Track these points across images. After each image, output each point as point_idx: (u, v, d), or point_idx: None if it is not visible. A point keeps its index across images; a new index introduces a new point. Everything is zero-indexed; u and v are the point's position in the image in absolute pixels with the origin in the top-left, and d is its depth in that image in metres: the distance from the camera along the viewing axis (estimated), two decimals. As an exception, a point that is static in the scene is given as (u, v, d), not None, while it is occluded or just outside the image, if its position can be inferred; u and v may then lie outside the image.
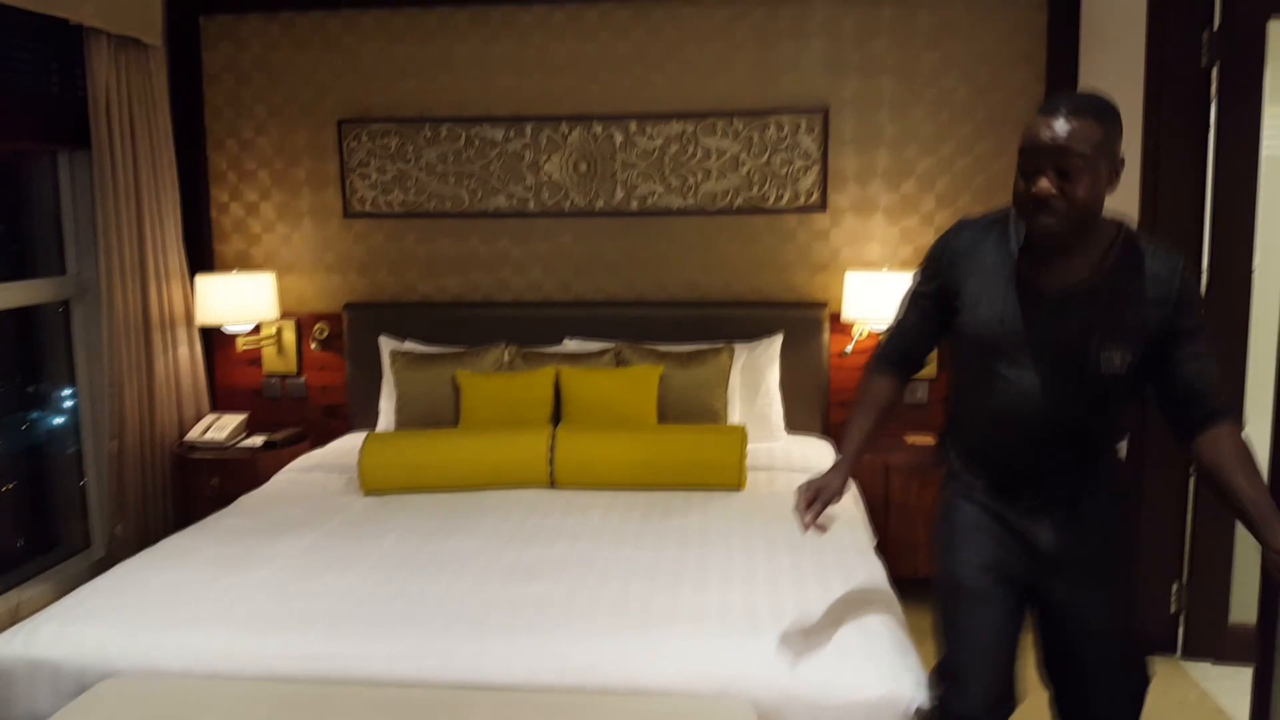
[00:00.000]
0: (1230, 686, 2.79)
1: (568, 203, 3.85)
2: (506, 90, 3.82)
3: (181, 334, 3.80)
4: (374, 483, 3.07)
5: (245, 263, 4.04)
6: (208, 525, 2.83)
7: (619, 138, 3.79)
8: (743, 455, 3.06)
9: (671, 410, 3.38)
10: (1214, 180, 2.80)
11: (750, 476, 3.14)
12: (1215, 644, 2.96)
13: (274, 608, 2.21)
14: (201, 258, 3.98)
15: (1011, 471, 1.81)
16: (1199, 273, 2.88)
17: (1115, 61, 3.19)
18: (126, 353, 3.55)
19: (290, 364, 4.03)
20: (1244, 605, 2.87)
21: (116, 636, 2.10)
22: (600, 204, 3.84)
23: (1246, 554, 2.83)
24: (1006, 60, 3.61)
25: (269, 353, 4.02)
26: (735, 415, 3.49)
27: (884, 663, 1.94)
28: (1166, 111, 2.84)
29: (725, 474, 3.05)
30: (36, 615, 2.22)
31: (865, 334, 3.72)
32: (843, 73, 3.68)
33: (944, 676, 1.85)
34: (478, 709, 1.84)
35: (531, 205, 3.87)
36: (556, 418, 3.39)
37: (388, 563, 2.47)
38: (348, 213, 3.96)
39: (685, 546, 2.55)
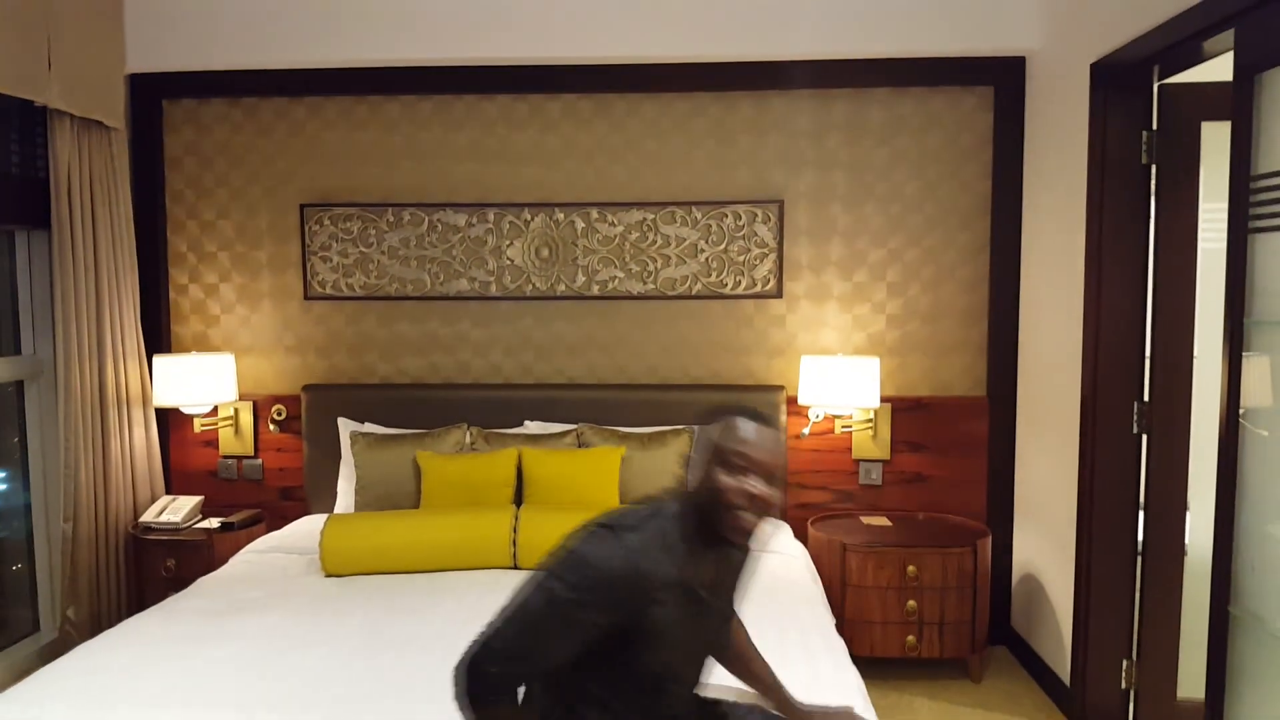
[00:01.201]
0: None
1: (529, 287, 3.91)
2: (470, 177, 3.91)
3: (138, 415, 3.74)
4: (335, 564, 3.02)
5: (203, 344, 4.01)
6: (167, 607, 2.77)
7: (580, 224, 3.87)
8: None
9: (633, 490, 3.39)
10: (1155, 273, 2.94)
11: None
12: (1165, 719, 3.00)
13: (241, 687, 2.18)
14: (159, 339, 3.95)
15: None
16: (1142, 361, 3.01)
17: (1059, 158, 3.38)
18: (82, 433, 3.49)
19: (247, 445, 3.97)
20: (1191, 681, 2.91)
21: (82, 718, 2.04)
22: (561, 288, 3.90)
23: (1193, 632, 2.88)
24: (955, 157, 3.79)
25: (226, 434, 3.97)
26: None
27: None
28: (1109, 207, 2.99)
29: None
30: None
31: (822, 416, 3.79)
32: (798, 166, 3.83)
33: None
34: None
35: (493, 289, 3.92)
36: (518, 499, 3.37)
37: (352, 642, 2.44)
38: (308, 295, 3.97)
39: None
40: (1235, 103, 2.22)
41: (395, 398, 3.86)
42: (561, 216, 3.88)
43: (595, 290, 3.89)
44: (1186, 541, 3.01)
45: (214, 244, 4.00)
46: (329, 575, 3.03)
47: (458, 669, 1.60)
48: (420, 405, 3.81)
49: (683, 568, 1.64)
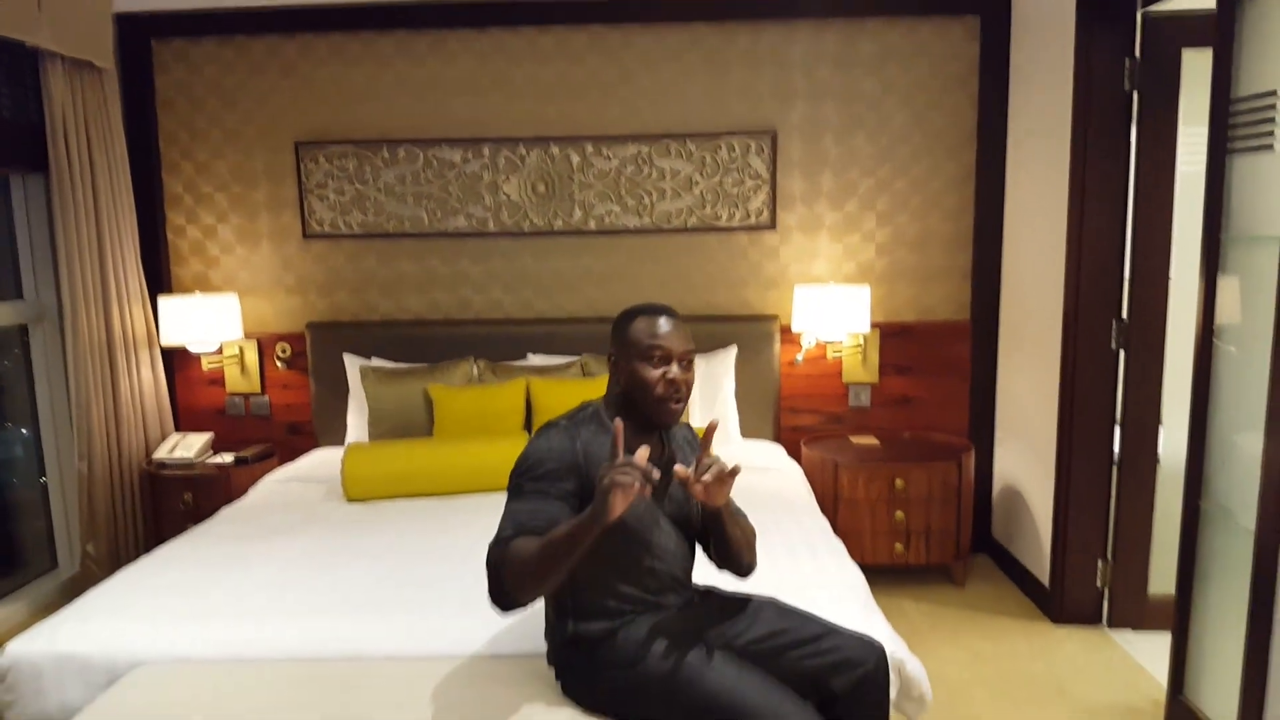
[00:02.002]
0: (1150, 650, 3.06)
1: (526, 223, 3.98)
2: (464, 112, 3.94)
3: (144, 355, 3.80)
4: (358, 490, 3.15)
5: (204, 285, 4.05)
6: (198, 534, 2.88)
7: (576, 159, 3.93)
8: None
9: (637, 419, 3.53)
10: (1135, 196, 3.08)
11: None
12: (1137, 614, 3.23)
13: (288, 598, 2.33)
14: (159, 281, 3.99)
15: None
16: (1120, 282, 3.16)
17: (1044, 87, 3.47)
18: (92, 374, 3.55)
19: (254, 383, 4.05)
20: (1162, 578, 3.14)
21: (139, 630, 2.18)
22: (559, 224, 3.97)
23: (1164, 533, 3.09)
24: (941, 87, 3.88)
25: (232, 372, 4.04)
26: (696, 421, 3.65)
27: (860, 618, 2.16)
28: (1092, 134, 3.11)
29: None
30: (49, 618, 2.27)
31: (814, 343, 3.93)
32: (790, 98, 3.90)
33: None
34: (488, 674, 2.00)
35: (491, 225, 3.98)
36: (528, 426, 3.50)
37: (388, 557, 2.59)
38: (306, 234, 4.01)
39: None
40: (1219, 26, 2.33)
41: (399, 334, 3.94)
42: (557, 151, 3.94)
43: (592, 225, 3.97)
44: (1159, 452, 3.20)
45: (210, 185, 4.02)
46: (351, 500, 3.15)
47: (488, 572, 1.72)
48: (424, 341, 3.90)
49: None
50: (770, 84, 3.90)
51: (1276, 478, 2.05)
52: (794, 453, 3.86)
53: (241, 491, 3.50)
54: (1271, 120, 2.22)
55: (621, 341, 1.90)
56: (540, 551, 1.63)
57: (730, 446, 3.70)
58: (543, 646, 2.03)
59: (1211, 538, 2.44)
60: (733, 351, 3.85)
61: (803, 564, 2.49)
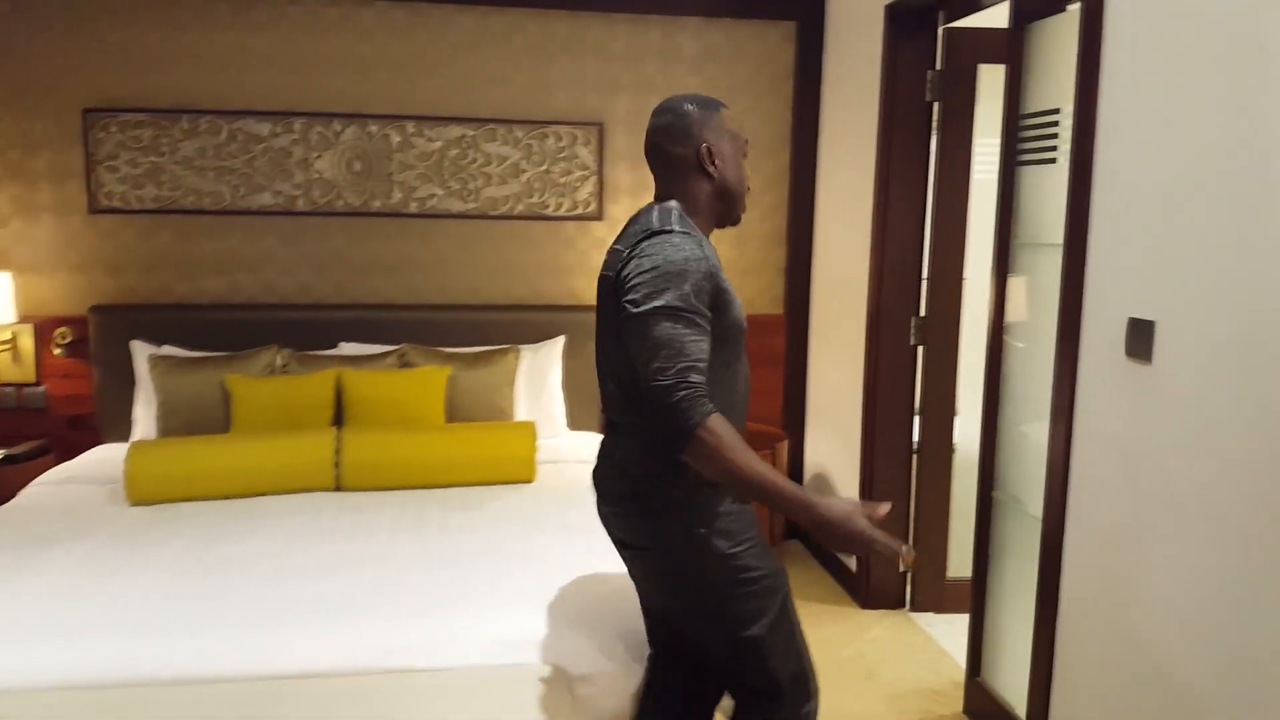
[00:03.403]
0: (950, 632, 3.28)
1: (340, 202, 3.78)
2: (273, 85, 3.70)
3: (-112, 339, 3.34)
4: (142, 492, 2.88)
5: (-36, 259, 3.61)
6: (-45, 543, 2.54)
7: (396, 138, 3.78)
8: (533, 448, 3.18)
9: (460, 411, 3.43)
10: (934, 201, 3.28)
11: (539, 469, 3.26)
12: (937, 598, 3.46)
13: (64, 616, 2.08)
14: (-92, 253, 3.52)
15: None
16: (919, 281, 3.36)
17: (854, 93, 3.64)
18: None
19: (28, 372, 3.64)
20: (957, 562, 3.38)
21: None
22: (377, 204, 3.80)
23: (961, 519, 3.33)
24: (760, 88, 3.99)
25: (3, 360, 3.61)
26: (522, 414, 3.59)
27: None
28: (896, 141, 3.28)
29: (517, 467, 3.15)
30: None
31: (639, 335, 3.96)
32: (616, 90, 3.90)
33: (808, 689, 1.85)
34: (293, 697, 1.85)
35: (300, 204, 3.76)
36: (338, 420, 3.33)
37: (176, 567, 2.37)
38: (94, 208, 3.64)
39: (484, 535, 2.63)
40: (1010, 47, 2.51)
41: (195, 319, 3.65)
42: (375, 129, 3.76)
43: (413, 208, 3.83)
44: (955, 441, 3.44)
45: (-27, 148, 3.58)
46: (135, 504, 2.88)
47: (670, 422, 1.54)
48: (224, 327, 3.63)
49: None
50: (595, 75, 3.89)
51: (1060, 468, 2.24)
52: (617, 443, 3.88)
53: (11, 494, 3.13)
54: (1055, 135, 2.41)
55: (717, 129, 1.77)
56: (745, 469, 1.54)
57: (558, 438, 3.67)
58: (370, 662, 1.94)
59: (1003, 525, 2.64)
60: (560, 342, 3.81)
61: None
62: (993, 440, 2.62)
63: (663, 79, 3.92)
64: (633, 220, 1.79)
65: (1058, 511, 2.24)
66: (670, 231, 1.66)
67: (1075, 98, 2.16)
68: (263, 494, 2.98)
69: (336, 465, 3.04)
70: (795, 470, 4.19)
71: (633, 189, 3.97)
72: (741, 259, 4.08)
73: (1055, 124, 2.42)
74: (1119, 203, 2.04)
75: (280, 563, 2.41)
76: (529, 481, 3.15)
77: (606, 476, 1.81)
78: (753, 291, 4.12)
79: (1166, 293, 1.88)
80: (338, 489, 3.05)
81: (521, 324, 3.82)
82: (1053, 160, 2.43)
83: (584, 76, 3.88)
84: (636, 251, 1.65)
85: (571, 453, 3.47)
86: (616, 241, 1.78)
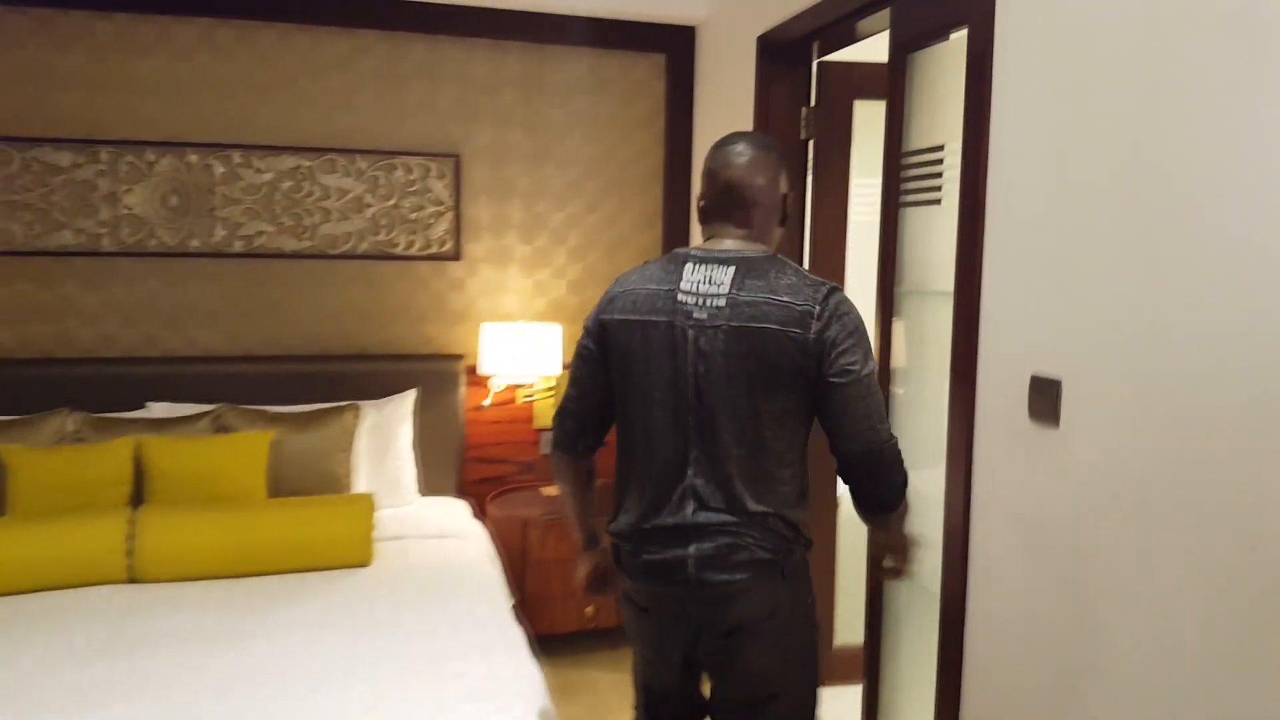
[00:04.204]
0: (839, 706, 3.01)
1: (153, 241, 3.31)
2: (75, 108, 3.21)
3: None
4: None
5: None
6: None
7: (220, 169, 3.34)
8: (369, 527, 2.76)
9: (287, 482, 2.98)
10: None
11: (379, 548, 2.85)
12: (825, 667, 3.18)
13: None
14: None
15: None
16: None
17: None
18: None
19: None
20: (845, 629, 3.13)
21: None
22: (195, 243, 3.34)
23: (849, 577, 3.09)
24: (630, 123, 3.74)
25: None
26: (362, 482, 3.18)
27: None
28: (771, 178, 3.06)
29: (350, 550, 2.73)
30: None
31: (504, 387, 3.60)
32: (474, 120, 3.57)
33: None
34: None
35: (106, 243, 3.27)
36: (139, 498, 2.83)
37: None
38: None
39: (303, 640, 2.21)
40: (891, 80, 2.31)
41: (-27, 377, 3.10)
42: (195, 159, 3.31)
43: (238, 247, 3.38)
44: (839, 493, 3.21)
45: None
46: None
47: (901, 479, 1.70)
48: (8, 386, 3.09)
49: None
50: (452, 103, 3.55)
51: (959, 542, 1.99)
52: (481, 509, 3.50)
53: None
54: (940, 175, 2.21)
55: (789, 176, 1.84)
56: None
57: (408, 508, 3.25)
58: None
59: (894, 598, 2.40)
60: (412, 396, 3.42)
61: (472, 669, 2.09)
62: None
63: (526, 110, 3.62)
64: (751, 266, 1.69)
65: (958, 588, 2.00)
66: (838, 287, 1.69)
67: (964, 132, 1.96)
68: (41, 589, 2.48)
69: (130, 554, 2.55)
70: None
71: (494, 226, 3.64)
72: (613, 304, 3.79)
73: (940, 161, 2.23)
74: (1014, 246, 1.83)
75: (45, 686, 1.96)
76: (365, 565, 2.73)
77: (739, 547, 1.65)
78: (625, 338, 3.83)
79: (1073, 347, 1.67)
80: (131, 581, 2.56)
81: (366, 376, 3.41)
82: (937, 201, 2.24)
83: (440, 104, 3.54)
84: (832, 310, 1.63)
85: (421, 525, 3.07)
86: (750, 291, 1.66)
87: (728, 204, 1.72)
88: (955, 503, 2.00)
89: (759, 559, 1.64)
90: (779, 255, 1.73)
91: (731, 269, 1.65)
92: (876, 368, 1.65)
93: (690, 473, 1.64)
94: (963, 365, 1.96)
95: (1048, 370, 1.72)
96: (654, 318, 1.66)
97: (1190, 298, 1.41)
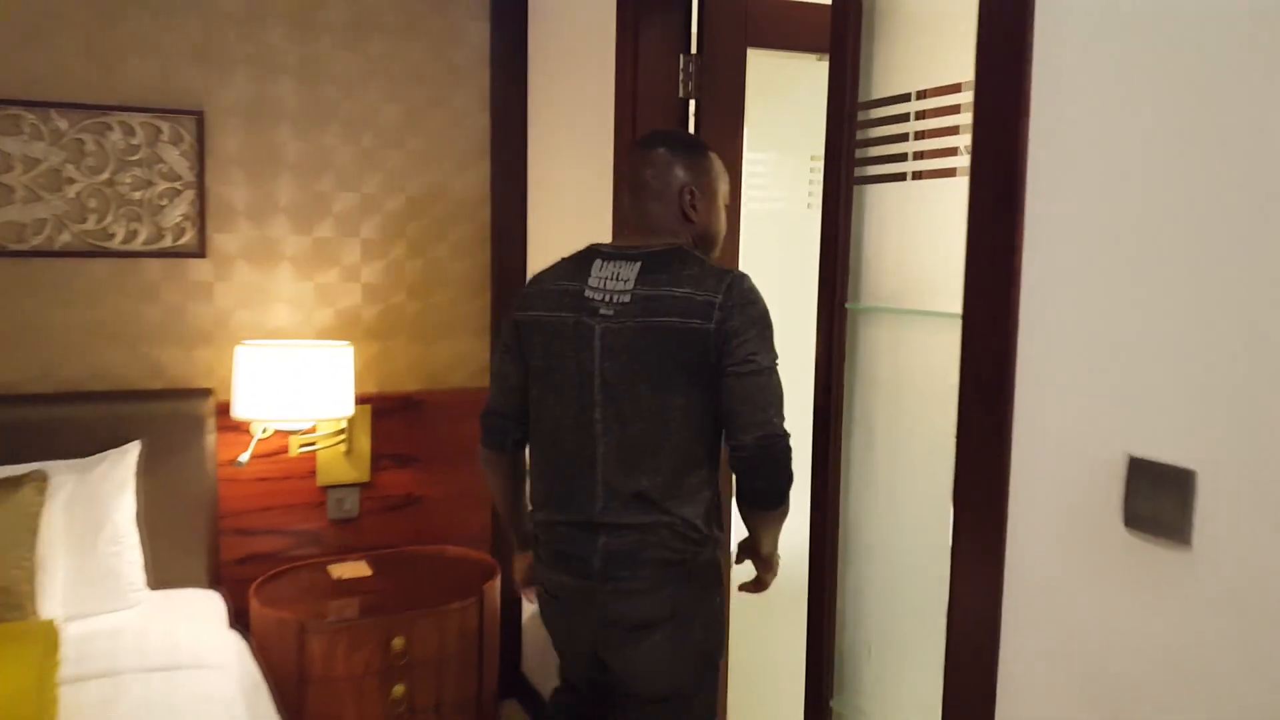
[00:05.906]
0: None
1: None
2: None
3: None
4: None
5: None
6: None
7: None
8: (50, 677, 1.77)
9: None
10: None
11: (73, 694, 1.86)
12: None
13: None
14: None
15: None
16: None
17: (578, 89, 2.64)
18: None
19: None
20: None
21: None
22: None
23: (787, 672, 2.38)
24: (444, 77, 2.87)
25: None
26: (55, 587, 2.15)
27: None
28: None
29: (19, 708, 1.74)
30: None
31: (270, 433, 2.64)
32: (224, 65, 2.60)
33: None
34: None
35: None
36: None
37: None
38: None
39: None
40: (835, 23, 1.59)
41: None
42: None
43: None
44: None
45: None
46: None
47: (786, 474, 1.61)
48: None
49: None
50: (193, 41, 2.57)
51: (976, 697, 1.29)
52: (242, 605, 2.53)
53: None
54: (906, 138, 1.52)
55: (715, 176, 1.77)
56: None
57: (127, 613, 2.26)
58: None
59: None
60: (134, 451, 2.41)
61: None
62: (828, 585, 1.67)
63: (300, 53, 2.68)
64: (656, 260, 1.65)
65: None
66: (743, 275, 1.65)
67: (979, 57, 1.26)
68: None
69: None
70: (513, 605, 3.05)
71: (255, 211, 2.68)
72: (430, 313, 2.92)
73: (906, 117, 1.53)
74: (1084, 241, 1.14)
75: None
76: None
77: (645, 545, 1.63)
78: (446, 359, 2.97)
79: (1215, 415, 0.99)
80: None
81: (63, 426, 2.38)
82: (902, 177, 1.54)
83: (172, 43, 2.54)
84: (735, 299, 1.59)
85: (142, 647, 2.08)
86: (634, 281, 1.64)
87: (635, 200, 1.75)
88: (963, 650, 1.30)
89: (663, 558, 1.64)
90: (684, 247, 1.68)
91: (637, 265, 1.65)
92: (779, 359, 1.61)
93: (599, 470, 1.65)
94: (980, 432, 1.26)
95: (1163, 453, 1.04)
96: (562, 314, 1.67)
97: None
